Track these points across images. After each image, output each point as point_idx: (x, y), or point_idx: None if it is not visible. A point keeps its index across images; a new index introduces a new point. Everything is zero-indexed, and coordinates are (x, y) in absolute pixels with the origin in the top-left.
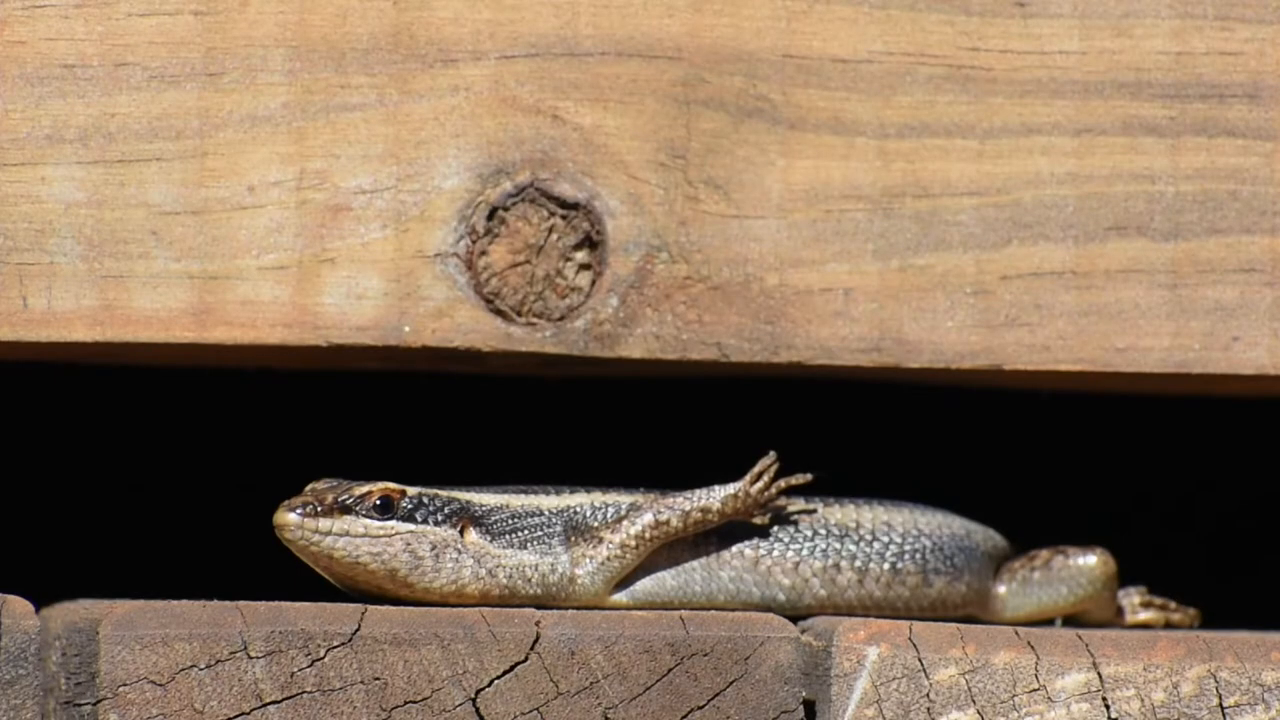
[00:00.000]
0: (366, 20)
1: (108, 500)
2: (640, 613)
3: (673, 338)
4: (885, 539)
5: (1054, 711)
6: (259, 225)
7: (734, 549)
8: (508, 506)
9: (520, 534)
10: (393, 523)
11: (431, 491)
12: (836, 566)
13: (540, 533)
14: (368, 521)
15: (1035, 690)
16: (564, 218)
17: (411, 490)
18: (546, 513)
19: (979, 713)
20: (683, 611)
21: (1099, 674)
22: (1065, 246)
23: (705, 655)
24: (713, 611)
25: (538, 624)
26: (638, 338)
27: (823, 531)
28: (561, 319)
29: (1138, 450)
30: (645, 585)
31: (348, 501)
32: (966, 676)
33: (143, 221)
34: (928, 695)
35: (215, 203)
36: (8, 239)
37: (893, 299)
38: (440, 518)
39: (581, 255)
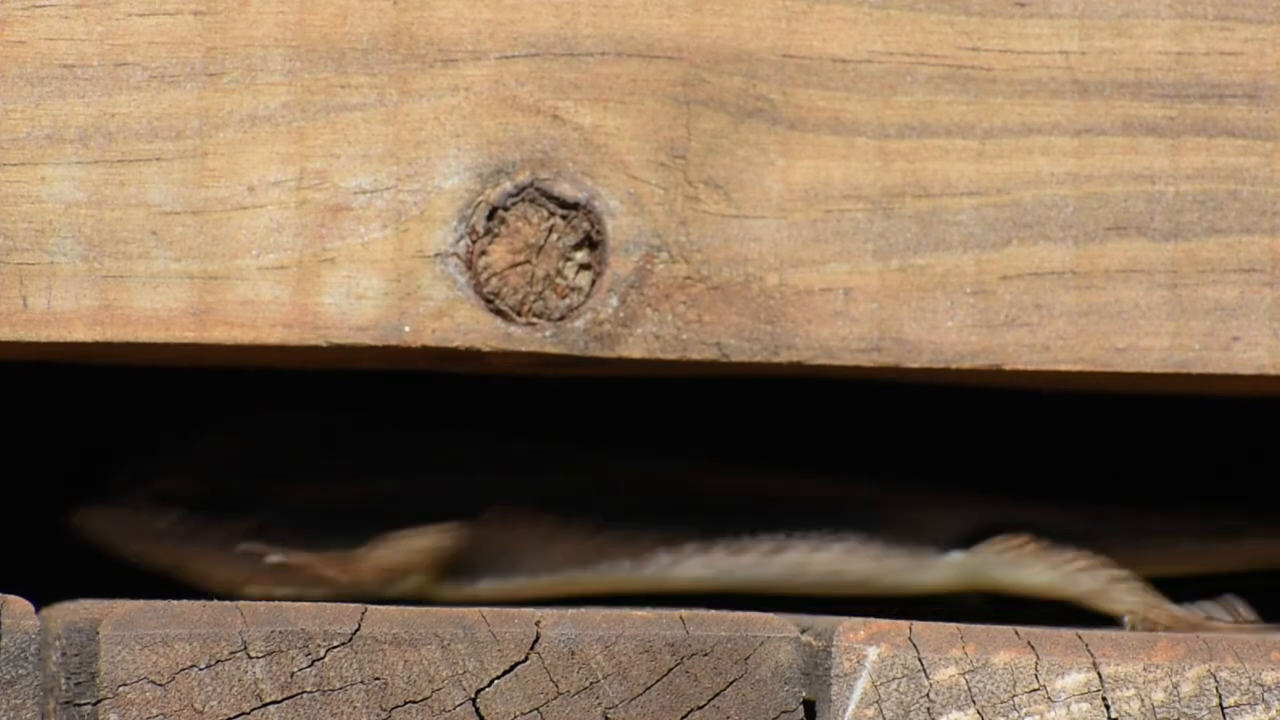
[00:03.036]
0: (366, 20)
1: None
2: (640, 612)
3: (673, 337)
4: None
5: (1054, 711)
6: (259, 225)
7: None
8: None
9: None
10: None
11: None
12: None
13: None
14: None
15: (1035, 690)
16: (564, 218)
17: None
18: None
19: (979, 713)
20: (682, 611)
21: (1099, 674)
22: (1065, 246)
23: (705, 655)
24: (713, 611)
25: (538, 624)
26: (638, 337)
27: None
28: (561, 319)
29: (1138, 449)
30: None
31: None
32: (966, 676)
33: (143, 221)
34: (928, 695)
35: (215, 203)
36: (8, 239)
37: (893, 299)
38: None
39: (581, 255)
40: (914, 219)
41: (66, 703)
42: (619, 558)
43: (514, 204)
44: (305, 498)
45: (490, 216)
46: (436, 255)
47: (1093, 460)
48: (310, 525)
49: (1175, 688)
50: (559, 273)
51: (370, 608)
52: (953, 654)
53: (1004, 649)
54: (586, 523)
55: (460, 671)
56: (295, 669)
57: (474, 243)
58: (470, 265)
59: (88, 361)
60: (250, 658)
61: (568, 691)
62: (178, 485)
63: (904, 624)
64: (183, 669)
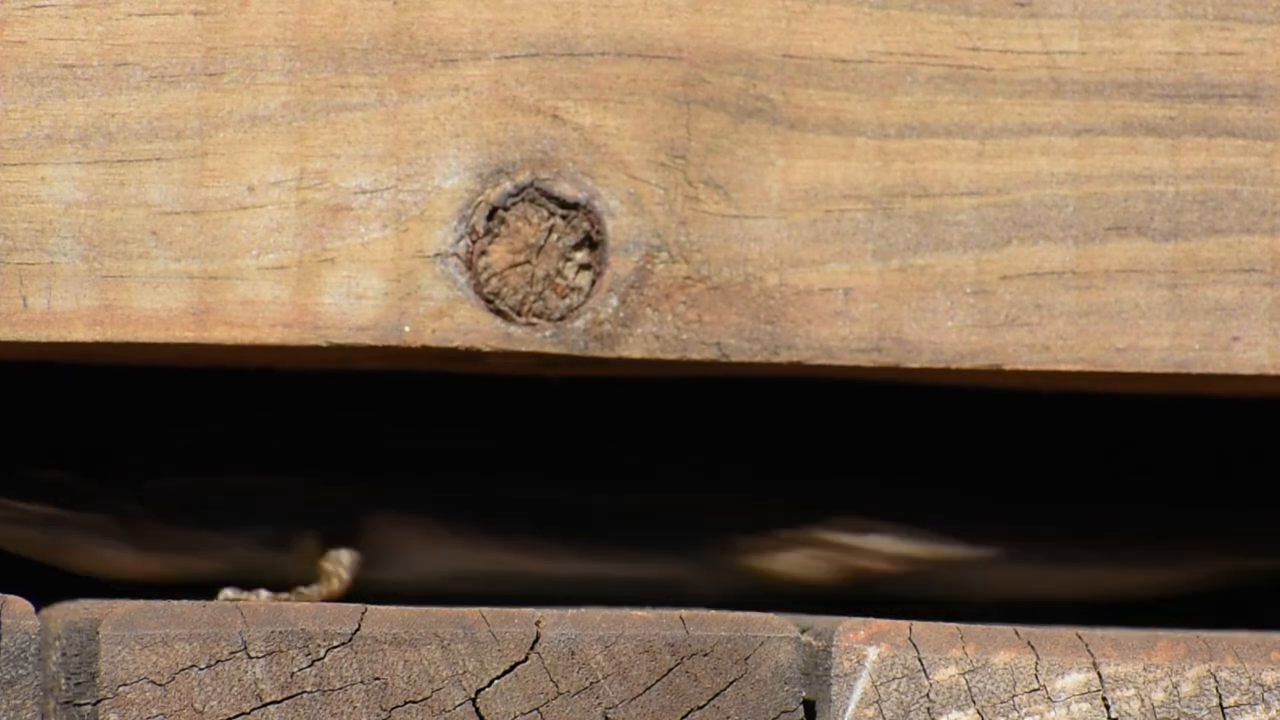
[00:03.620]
0: (366, 20)
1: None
2: (640, 613)
3: (673, 338)
4: None
5: (1054, 711)
6: (259, 225)
7: None
8: None
9: None
10: None
11: None
12: None
13: None
14: None
15: (1035, 690)
16: (564, 218)
17: None
18: None
19: (979, 713)
20: (682, 611)
21: (1099, 674)
22: (1065, 246)
23: (705, 655)
24: (713, 611)
25: (538, 624)
26: (638, 338)
27: None
28: (561, 319)
29: (1137, 449)
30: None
31: None
32: (966, 676)
33: (143, 221)
34: (928, 695)
35: (215, 203)
36: (8, 239)
37: (893, 299)
38: None
39: (581, 255)
40: (914, 219)
41: (66, 703)
42: (502, 566)
43: (514, 204)
44: (178, 487)
45: (490, 216)
46: (436, 255)
47: (1092, 461)
48: (174, 511)
49: (1175, 688)
50: (559, 273)
51: (370, 608)
52: (953, 654)
53: (1004, 649)
54: (474, 530)
55: (460, 671)
56: (295, 669)
57: (474, 243)
58: (470, 265)
59: (88, 361)
60: (250, 658)
61: (568, 691)
62: (40, 473)
63: (904, 624)
64: (183, 669)
